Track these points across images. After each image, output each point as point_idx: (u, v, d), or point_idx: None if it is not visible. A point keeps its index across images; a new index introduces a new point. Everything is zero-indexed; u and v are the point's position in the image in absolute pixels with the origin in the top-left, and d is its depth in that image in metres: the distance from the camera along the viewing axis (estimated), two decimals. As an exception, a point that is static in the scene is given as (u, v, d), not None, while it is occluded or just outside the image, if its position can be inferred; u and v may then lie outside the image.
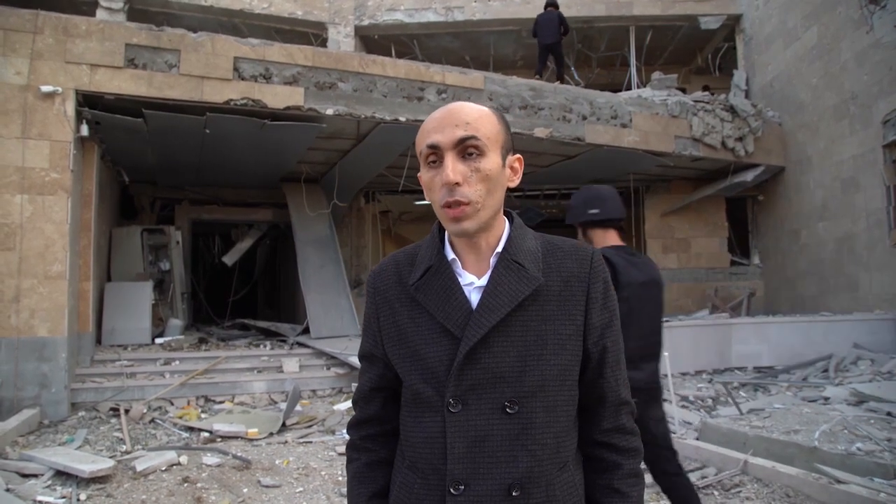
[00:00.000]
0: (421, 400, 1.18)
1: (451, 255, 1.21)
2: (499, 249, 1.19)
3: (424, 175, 1.17)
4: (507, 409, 1.13)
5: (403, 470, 1.22)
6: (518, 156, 1.24)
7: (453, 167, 1.11)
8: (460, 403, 1.13)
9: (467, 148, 1.12)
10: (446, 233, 1.24)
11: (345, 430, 5.36)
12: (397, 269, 1.26)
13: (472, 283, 1.18)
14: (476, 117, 1.14)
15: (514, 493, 1.12)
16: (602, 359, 1.22)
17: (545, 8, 11.14)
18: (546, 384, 1.15)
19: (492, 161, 1.14)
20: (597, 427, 1.24)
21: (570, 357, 1.18)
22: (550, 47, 11.04)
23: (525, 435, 1.13)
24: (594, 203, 2.88)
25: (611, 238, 2.90)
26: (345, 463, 1.36)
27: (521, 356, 1.14)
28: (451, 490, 1.13)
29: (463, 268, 1.20)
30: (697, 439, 5.29)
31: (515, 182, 1.22)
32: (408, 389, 1.21)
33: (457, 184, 1.11)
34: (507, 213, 1.25)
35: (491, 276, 1.17)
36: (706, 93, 11.96)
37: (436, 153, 1.14)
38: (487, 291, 1.15)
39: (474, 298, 1.17)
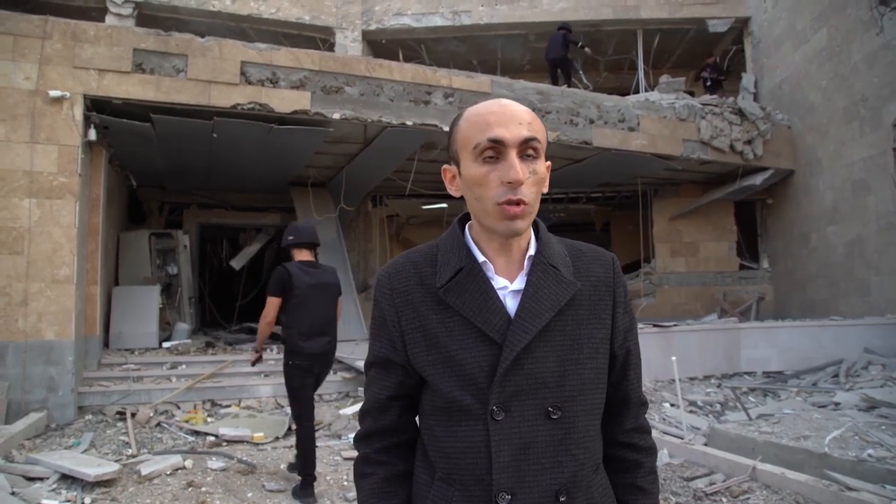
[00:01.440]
0: (458, 408, 1.13)
1: (481, 257, 1.17)
2: (531, 253, 1.18)
3: (477, 170, 1.12)
4: (552, 415, 1.12)
5: (437, 483, 1.16)
6: (548, 162, 1.22)
7: (521, 166, 1.09)
8: (503, 411, 1.10)
9: (528, 149, 1.11)
10: (467, 233, 1.22)
11: (351, 435, 5.32)
12: (417, 270, 1.20)
13: (506, 288, 1.16)
14: (532, 118, 1.14)
15: (561, 499, 1.11)
16: (626, 361, 1.24)
17: (558, 30, 11.55)
18: (585, 388, 1.15)
19: (543, 164, 1.15)
20: (619, 428, 1.25)
21: (603, 360, 1.19)
22: (556, 62, 11.37)
23: (569, 439, 1.13)
24: (291, 233, 4.61)
25: (302, 255, 4.56)
26: (353, 474, 1.29)
27: (560, 361, 1.13)
28: (498, 500, 1.10)
29: (494, 271, 1.18)
30: (706, 445, 5.24)
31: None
32: (439, 397, 1.15)
33: (521, 183, 1.09)
34: None
35: (529, 280, 1.15)
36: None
37: (496, 148, 1.10)
38: (528, 296, 1.13)
39: (509, 303, 1.14)
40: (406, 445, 1.25)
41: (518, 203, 1.09)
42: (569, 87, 11.02)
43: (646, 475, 1.25)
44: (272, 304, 4.37)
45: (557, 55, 11.34)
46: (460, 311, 1.13)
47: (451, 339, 1.14)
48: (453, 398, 1.13)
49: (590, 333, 1.16)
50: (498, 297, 1.14)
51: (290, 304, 4.39)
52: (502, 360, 1.09)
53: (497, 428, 1.10)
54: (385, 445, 1.24)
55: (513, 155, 1.09)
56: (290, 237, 4.56)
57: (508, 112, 1.12)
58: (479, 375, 1.11)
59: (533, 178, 1.11)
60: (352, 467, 4.97)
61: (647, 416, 1.28)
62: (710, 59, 13.04)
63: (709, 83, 12.75)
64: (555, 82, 11.13)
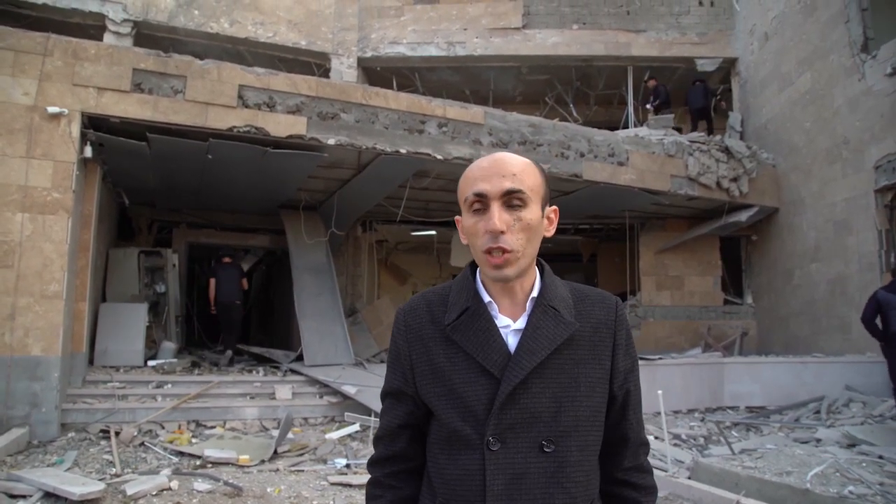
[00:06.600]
0: (457, 438, 1.21)
1: (486, 297, 1.25)
2: (534, 294, 1.25)
3: (468, 220, 1.23)
4: (545, 448, 1.17)
5: None
6: (554, 207, 1.30)
7: (499, 216, 1.17)
8: (499, 442, 1.17)
9: (512, 199, 1.19)
10: (478, 276, 1.29)
11: (337, 460, 5.29)
12: (429, 309, 1.29)
13: (509, 326, 1.23)
14: (521, 169, 1.21)
15: None
16: (626, 401, 1.29)
17: (693, 83, 13.17)
18: (580, 424, 1.21)
19: (533, 212, 1.21)
20: (618, 466, 1.30)
21: (600, 399, 1.24)
22: (701, 111, 13.08)
23: (560, 473, 1.18)
24: (221, 251, 11.02)
25: (224, 260, 10.59)
26: (365, 496, 1.38)
27: (556, 397, 1.19)
28: None
29: (498, 311, 1.25)
30: (689, 478, 5.28)
31: (551, 232, 1.28)
32: (443, 427, 1.23)
33: (501, 232, 1.16)
34: (537, 262, 1.30)
35: (529, 320, 1.22)
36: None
37: (481, 201, 1.20)
38: (527, 334, 1.20)
39: (510, 341, 1.22)
40: (413, 472, 1.32)
41: (500, 251, 1.16)
42: (709, 134, 11.98)
43: None
44: (211, 281, 10.12)
45: (700, 105, 12.90)
46: (464, 348, 1.21)
47: (456, 373, 1.22)
48: (454, 428, 1.20)
49: (587, 372, 1.22)
50: (500, 335, 1.21)
51: (216, 281, 9.95)
52: (499, 394, 1.17)
53: (492, 458, 1.17)
54: (394, 471, 1.32)
55: (494, 206, 1.18)
56: (220, 253, 10.60)
57: (495, 167, 1.20)
58: (478, 408, 1.19)
59: (518, 226, 1.18)
60: (338, 493, 4.94)
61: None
62: (651, 83, 13.11)
63: (654, 105, 12.79)
64: (695, 129, 12.29)
